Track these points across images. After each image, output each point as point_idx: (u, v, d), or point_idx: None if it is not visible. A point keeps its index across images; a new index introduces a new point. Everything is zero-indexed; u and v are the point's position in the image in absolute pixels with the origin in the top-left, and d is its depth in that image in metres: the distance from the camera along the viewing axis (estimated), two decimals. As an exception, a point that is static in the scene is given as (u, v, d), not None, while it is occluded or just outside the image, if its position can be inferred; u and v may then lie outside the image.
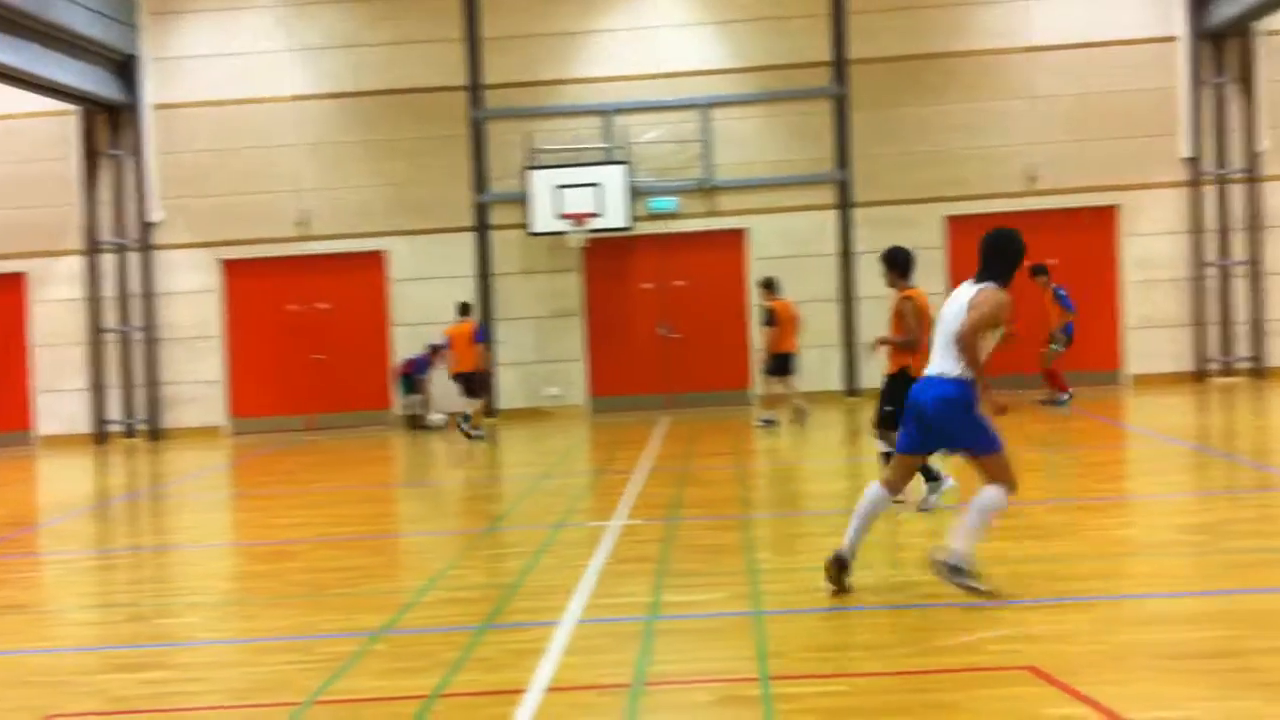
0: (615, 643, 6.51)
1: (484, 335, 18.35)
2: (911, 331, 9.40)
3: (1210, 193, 20.12)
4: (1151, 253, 20.16)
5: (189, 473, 15.96)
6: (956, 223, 20.10)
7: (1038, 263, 17.15)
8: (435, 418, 19.65)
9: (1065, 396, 17.07)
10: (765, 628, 6.56)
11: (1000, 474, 6.88)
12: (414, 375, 19.92)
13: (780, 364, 16.65)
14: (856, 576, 7.19)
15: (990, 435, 6.90)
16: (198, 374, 20.77)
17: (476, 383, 17.63)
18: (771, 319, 16.61)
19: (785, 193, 20.44)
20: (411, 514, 12.27)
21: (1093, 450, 13.16)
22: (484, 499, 12.89)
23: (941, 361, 7.00)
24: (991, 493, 6.84)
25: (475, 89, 20.67)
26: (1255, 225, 20.03)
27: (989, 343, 6.95)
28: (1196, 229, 20.05)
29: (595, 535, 9.41)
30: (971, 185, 20.16)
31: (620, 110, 20.58)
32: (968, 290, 7.02)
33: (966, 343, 6.80)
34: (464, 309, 17.96)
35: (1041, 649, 5.89)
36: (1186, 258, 20.12)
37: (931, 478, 9.40)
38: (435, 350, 19.16)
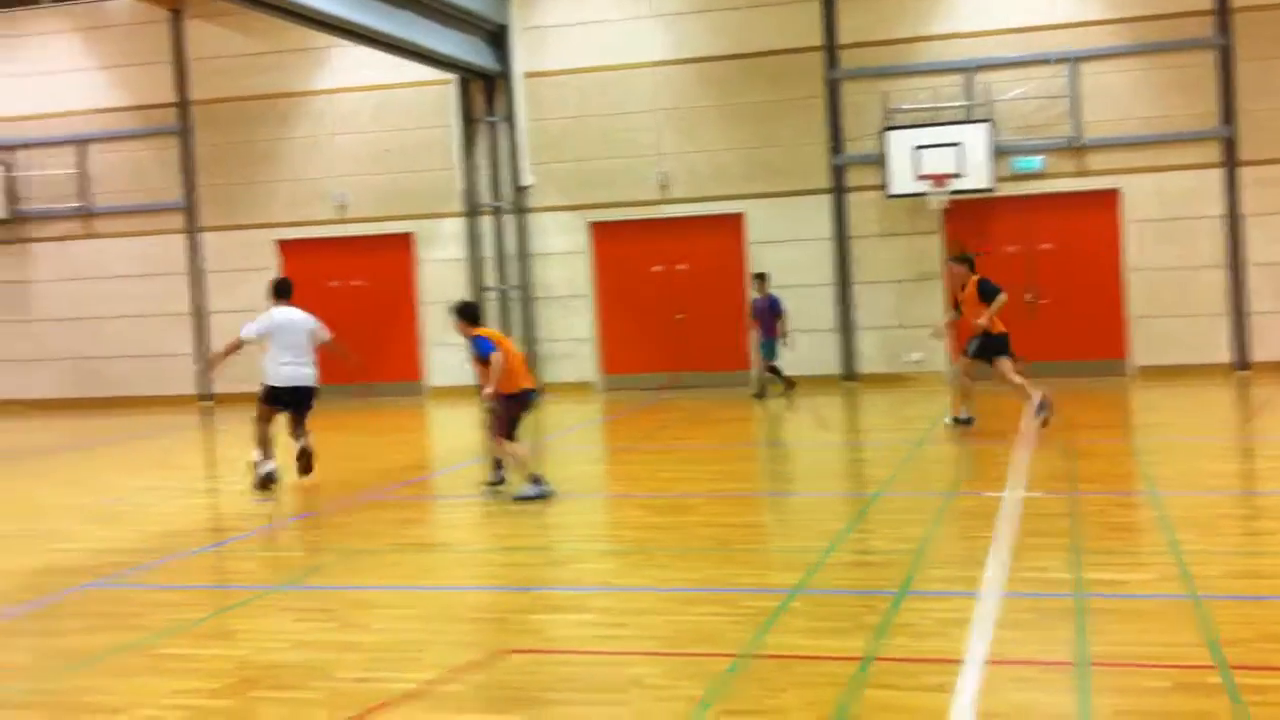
0: (1045, 619, 6.37)
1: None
2: None
3: None
4: None
5: (570, 425, 16.70)
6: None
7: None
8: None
9: None
10: (1208, 613, 6.25)
11: None
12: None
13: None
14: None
15: None
16: (570, 331, 21.68)
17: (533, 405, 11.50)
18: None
19: (1162, 150, 19.31)
20: (793, 473, 12.41)
21: None
22: (862, 463, 12.89)
23: None
24: None
25: (831, 49, 20.53)
26: None
27: None
28: None
29: (992, 506, 9.22)
30: (1383, 142, 18.46)
31: (982, 67, 19.96)
32: None
33: None
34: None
35: None
36: None
37: None
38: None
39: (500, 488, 10.96)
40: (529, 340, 21.66)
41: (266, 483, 11.54)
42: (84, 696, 5.65)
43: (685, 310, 21.23)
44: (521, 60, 21.66)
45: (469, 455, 13.73)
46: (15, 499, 12.33)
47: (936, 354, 20.12)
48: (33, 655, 6.52)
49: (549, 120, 21.63)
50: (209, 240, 23.06)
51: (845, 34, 20.44)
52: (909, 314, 20.34)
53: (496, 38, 21.50)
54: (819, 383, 20.20)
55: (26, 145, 23.77)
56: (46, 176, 23.66)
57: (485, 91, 21.89)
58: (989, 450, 12.39)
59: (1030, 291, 19.97)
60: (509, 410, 10.85)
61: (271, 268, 22.63)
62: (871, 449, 13.72)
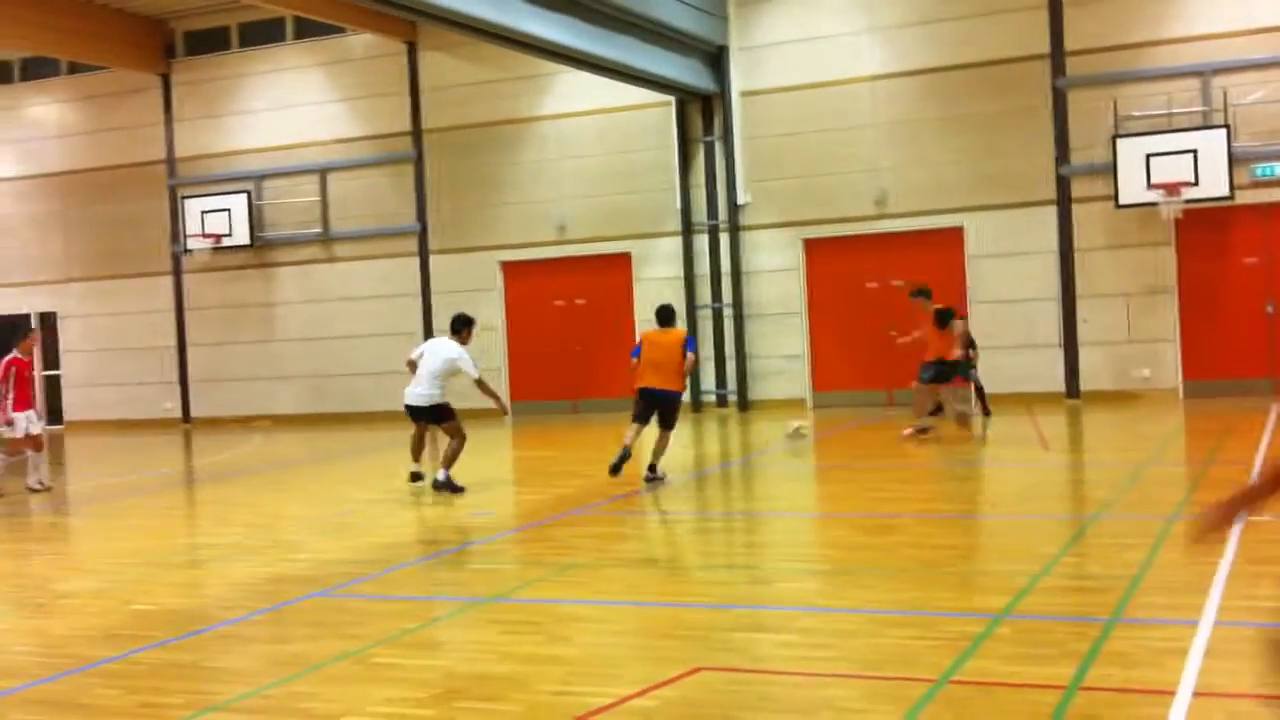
0: (1267, 650, 6.04)
1: (693, 345, 13.08)
2: None
3: None
4: None
5: (780, 442, 16.66)
6: None
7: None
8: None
9: None
10: None
11: None
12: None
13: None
14: None
15: None
16: (782, 348, 21.67)
17: (676, 407, 13.04)
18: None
19: None
20: (1007, 495, 12.07)
21: None
22: (1082, 484, 12.46)
23: None
24: None
25: (1057, 56, 19.94)
26: None
27: None
28: None
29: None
30: None
31: (1220, 70, 19.06)
32: None
33: None
34: (668, 314, 13.17)
35: None
36: None
37: None
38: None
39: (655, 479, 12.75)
40: (740, 357, 21.73)
41: (414, 479, 13.15)
42: (300, 702, 5.97)
43: (899, 327, 20.86)
44: (739, 79, 21.81)
45: (679, 472, 13.86)
46: (255, 510, 13.10)
47: (1166, 370, 19.29)
48: (259, 661, 6.93)
49: (765, 138, 21.70)
50: (437, 262, 23.99)
51: (1073, 40, 19.85)
52: (1139, 329, 19.54)
53: (714, 58, 21.70)
54: (1040, 400, 19.63)
55: (272, 175, 25.26)
56: (290, 204, 25.08)
57: (702, 112, 22.13)
58: (1218, 473, 11.80)
59: (1270, 303, 18.92)
60: (636, 402, 12.82)
61: (496, 288, 23.41)
62: (1093, 469, 13.23)
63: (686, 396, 21.69)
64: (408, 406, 13.19)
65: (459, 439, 13.06)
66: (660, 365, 12.59)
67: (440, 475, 12.87)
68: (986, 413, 18.19)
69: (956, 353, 15.74)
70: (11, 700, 6.28)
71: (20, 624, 8.21)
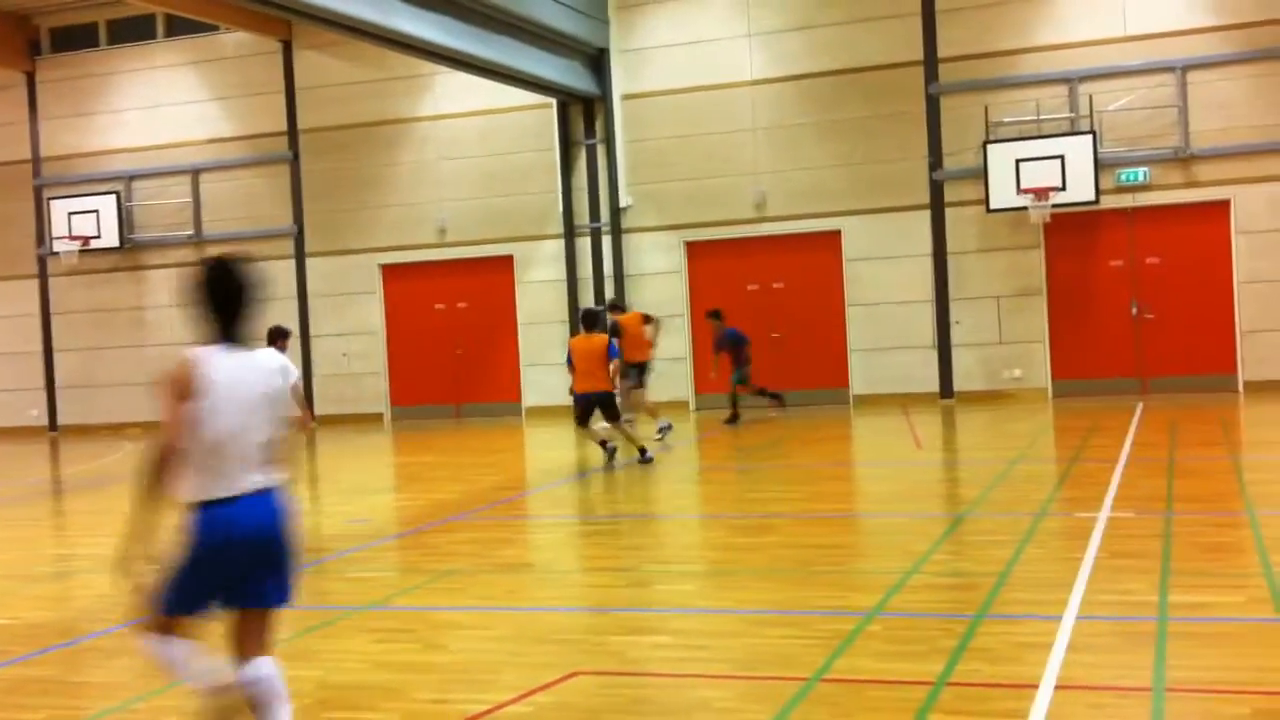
0: (1125, 643, 6.24)
1: (615, 352, 14.29)
2: None
3: None
4: None
5: (663, 445, 16.71)
6: None
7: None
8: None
9: None
10: (1297, 638, 6.07)
11: None
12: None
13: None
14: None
15: None
16: (665, 350, 21.66)
17: (612, 401, 14.46)
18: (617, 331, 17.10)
19: (1275, 160, 18.78)
20: (882, 494, 12.28)
21: None
22: (954, 483, 12.73)
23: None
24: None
25: (931, 63, 20.34)
26: None
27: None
28: None
29: (1082, 527, 9.05)
30: None
31: (1086, 77, 19.62)
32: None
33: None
34: (591, 319, 14.62)
35: None
36: None
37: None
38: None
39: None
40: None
41: None
42: (166, 716, 5.84)
43: (781, 329, 21.14)
44: (620, 82, 21.84)
45: (562, 475, 13.87)
46: (119, 522, 12.73)
47: (1037, 370, 19.79)
48: (125, 674, 6.73)
49: (646, 141, 21.77)
50: (314, 265, 23.62)
51: (946, 47, 20.26)
52: (1010, 330, 20.03)
53: (596, 61, 21.70)
54: (915, 400, 20.02)
55: (142, 175, 24.63)
56: (161, 205, 24.48)
57: (584, 114, 22.10)
58: (1084, 470, 12.16)
59: (1135, 305, 19.54)
60: (575, 403, 14.37)
61: (375, 291, 23.12)
62: (965, 467, 13.54)
63: (566, 401, 21.76)
64: None
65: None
66: (588, 372, 13.99)
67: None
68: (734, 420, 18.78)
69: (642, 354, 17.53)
70: None
71: None
